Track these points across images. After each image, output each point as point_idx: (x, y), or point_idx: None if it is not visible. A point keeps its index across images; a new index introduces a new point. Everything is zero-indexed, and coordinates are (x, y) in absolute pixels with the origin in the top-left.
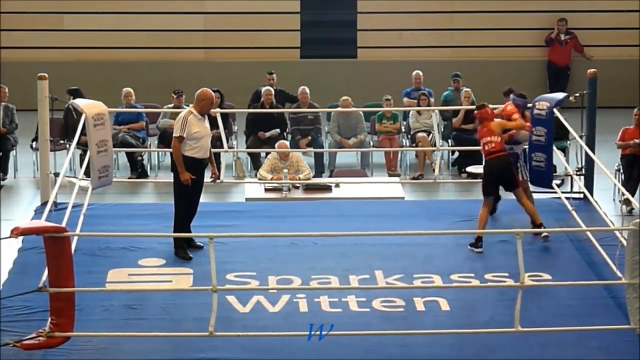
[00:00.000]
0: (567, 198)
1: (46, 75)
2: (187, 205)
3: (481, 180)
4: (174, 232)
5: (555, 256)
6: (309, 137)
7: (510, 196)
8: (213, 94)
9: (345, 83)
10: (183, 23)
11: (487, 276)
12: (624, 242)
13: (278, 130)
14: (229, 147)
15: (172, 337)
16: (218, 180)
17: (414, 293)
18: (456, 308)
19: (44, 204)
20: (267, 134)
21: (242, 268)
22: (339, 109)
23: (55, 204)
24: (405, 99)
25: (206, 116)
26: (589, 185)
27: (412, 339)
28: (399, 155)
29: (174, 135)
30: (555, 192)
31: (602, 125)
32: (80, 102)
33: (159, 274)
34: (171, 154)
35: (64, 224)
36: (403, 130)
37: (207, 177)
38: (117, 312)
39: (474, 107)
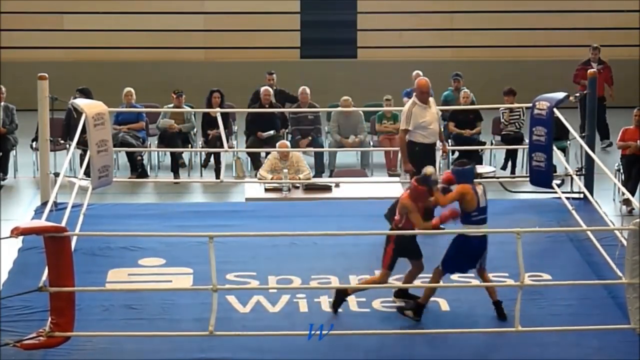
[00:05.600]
0: (567, 198)
1: (46, 75)
2: None
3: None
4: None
5: (555, 256)
6: (309, 137)
7: (511, 196)
8: (426, 81)
9: (345, 83)
10: (183, 23)
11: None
12: (624, 242)
13: (272, 132)
14: (229, 147)
15: (172, 337)
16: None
17: (414, 293)
18: (456, 308)
19: (44, 204)
20: (264, 135)
21: (242, 268)
22: (339, 109)
23: (55, 204)
24: (405, 99)
25: (432, 101)
26: (589, 185)
27: (412, 339)
28: (399, 155)
29: (400, 127)
30: (555, 192)
31: None
32: (80, 102)
33: (159, 274)
34: None
35: (64, 224)
36: None
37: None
38: (117, 312)
39: (473, 107)
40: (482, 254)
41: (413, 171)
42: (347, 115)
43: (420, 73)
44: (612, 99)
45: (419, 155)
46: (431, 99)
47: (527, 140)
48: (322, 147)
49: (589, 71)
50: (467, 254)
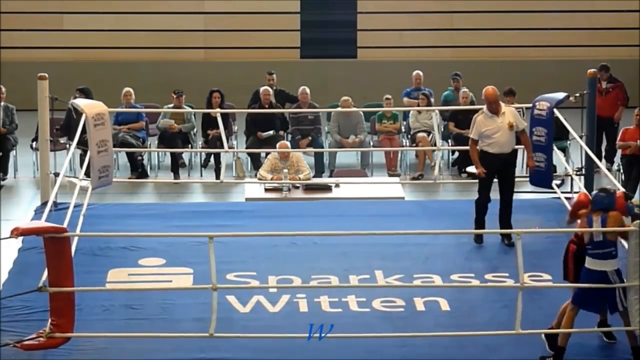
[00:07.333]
0: (567, 198)
1: (46, 75)
2: (484, 197)
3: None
4: (475, 219)
5: (555, 256)
6: (309, 137)
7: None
8: (493, 90)
9: (345, 83)
10: (183, 23)
11: (487, 276)
12: (625, 243)
13: (271, 132)
14: (229, 147)
15: (172, 337)
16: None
17: (414, 293)
18: (456, 308)
19: (44, 204)
20: (264, 135)
21: (242, 268)
22: (339, 109)
23: (55, 204)
24: (405, 99)
25: (509, 112)
26: (589, 185)
27: (412, 339)
28: (399, 155)
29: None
30: (555, 192)
31: None
32: (80, 102)
33: (159, 273)
34: None
35: (64, 224)
36: (403, 130)
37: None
38: (117, 312)
39: (472, 107)
40: (611, 290)
41: (484, 172)
42: (347, 115)
43: (421, 73)
44: (617, 118)
45: (484, 164)
46: (509, 110)
47: None
48: (322, 147)
49: (588, 71)
50: (594, 288)
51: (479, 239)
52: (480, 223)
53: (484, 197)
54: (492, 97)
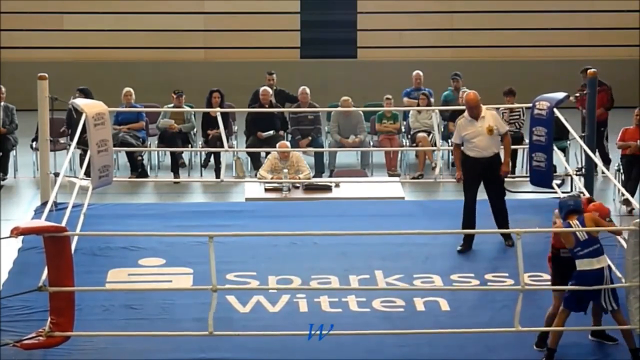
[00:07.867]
0: None
1: (46, 75)
2: (468, 200)
3: None
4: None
5: None
6: (309, 137)
7: (511, 196)
8: (474, 95)
9: (345, 83)
10: (183, 23)
11: (487, 276)
12: (624, 243)
13: (271, 132)
14: (229, 147)
15: (172, 336)
16: (507, 176)
17: (414, 293)
18: (456, 308)
19: (44, 204)
20: (264, 135)
21: (242, 268)
22: (339, 109)
23: (55, 204)
24: (405, 99)
25: (490, 115)
26: (589, 185)
27: (412, 339)
28: (399, 155)
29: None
30: (555, 192)
31: None
32: (80, 102)
33: (159, 273)
34: None
35: (64, 224)
36: (403, 130)
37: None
38: (117, 312)
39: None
40: (601, 288)
41: (461, 179)
42: (347, 115)
43: (421, 73)
44: (600, 117)
45: (465, 167)
46: (489, 113)
47: (527, 140)
48: (322, 147)
49: (589, 71)
50: (585, 289)
51: (466, 245)
52: (466, 229)
53: (468, 200)
54: (473, 102)
